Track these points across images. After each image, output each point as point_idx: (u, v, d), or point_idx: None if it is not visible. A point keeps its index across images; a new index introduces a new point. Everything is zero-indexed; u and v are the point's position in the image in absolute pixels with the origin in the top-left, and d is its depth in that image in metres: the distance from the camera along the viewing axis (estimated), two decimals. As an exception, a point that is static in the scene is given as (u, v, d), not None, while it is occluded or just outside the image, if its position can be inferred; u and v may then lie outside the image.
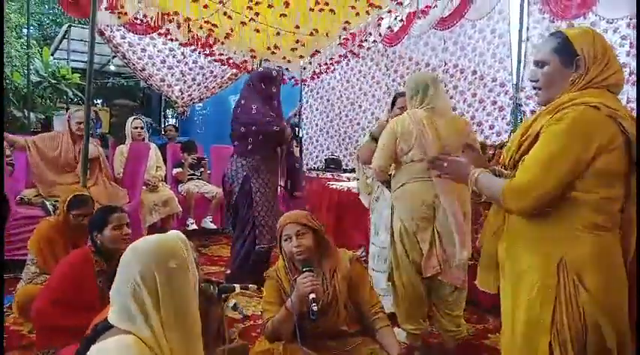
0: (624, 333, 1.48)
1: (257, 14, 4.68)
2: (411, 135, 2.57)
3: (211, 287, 1.81)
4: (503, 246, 1.66)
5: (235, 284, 1.92)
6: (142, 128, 4.90)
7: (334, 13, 4.66)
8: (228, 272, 3.75)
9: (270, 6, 4.51)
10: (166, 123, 9.59)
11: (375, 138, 3.05)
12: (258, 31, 4.95)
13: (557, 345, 1.46)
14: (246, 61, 5.97)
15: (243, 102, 3.63)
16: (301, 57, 5.78)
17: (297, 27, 4.72)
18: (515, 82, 4.62)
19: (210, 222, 5.23)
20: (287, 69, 6.24)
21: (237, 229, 3.68)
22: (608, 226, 1.45)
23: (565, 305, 1.45)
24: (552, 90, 1.54)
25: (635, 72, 3.90)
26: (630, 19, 3.95)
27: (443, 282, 2.61)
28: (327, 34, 4.93)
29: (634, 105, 3.94)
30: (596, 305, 1.43)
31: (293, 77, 6.54)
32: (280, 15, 4.52)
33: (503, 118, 4.83)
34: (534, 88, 1.62)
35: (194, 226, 5.09)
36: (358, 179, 3.67)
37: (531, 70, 1.62)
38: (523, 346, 1.54)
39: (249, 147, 3.56)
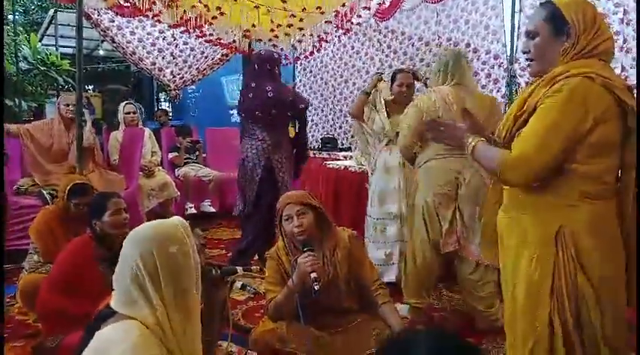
0: (620, 303, 1.50)
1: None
2: (436, 112, 2.58)
3: (214, 270, 1.82)
4: (502, 218, 1.68)
5: (238, 267, 1.94)
6: (134, 113, 4.86)
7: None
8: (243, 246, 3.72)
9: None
10: (159, 107, 9.51)
11: (366, 93, 3.35)
12: (257, 7, 4.85)
13: (557, 315, 1.48)
14: (235, 42, 5.89)
15: (253, 84, 3.65)
16: (287, 35, 5.69)
17: (284, 1, 4.63)
18: (509, 54, 4.60)
19: (209, 205, 5.23)
20: (276, 45, 6.15)
21: (259, 209, 3.66)
22: (605, 195, 1.47)
23: (564, 276, 1.47)
24: (544, 60, 1.53)
25: (629, 39, 3.87)
26: (624, -15, 3.90)
27: (464, 259, 2.63)
28: (320, 10, 4.84)
29: (628, 73, 3.93)
30: (591, 275, 1.45)
31: (285, 56, 6.48)
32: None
33: (498, 91, 4.81)
34: (527, 60, 1.62)
35: (193, 210, 5.09)
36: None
37: (523, 42, 1.62)
38: (524, 317, 1.56)
39: (268, 126, 3.60)
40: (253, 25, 5.22)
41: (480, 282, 2.61)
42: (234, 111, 10.16)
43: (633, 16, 3.88)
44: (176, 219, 1.40)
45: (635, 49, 3.57)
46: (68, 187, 2.78)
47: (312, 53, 6.08)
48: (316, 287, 1.92)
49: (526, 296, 1.54)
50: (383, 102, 3.36)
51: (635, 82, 2.41)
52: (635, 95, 1.44)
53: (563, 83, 1.42)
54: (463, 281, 2.69)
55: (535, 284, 1.51)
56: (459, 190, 2.59)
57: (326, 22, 5.42)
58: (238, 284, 1.89)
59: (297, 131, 4.05)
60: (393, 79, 3.27)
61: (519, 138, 1.50)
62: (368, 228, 3.39)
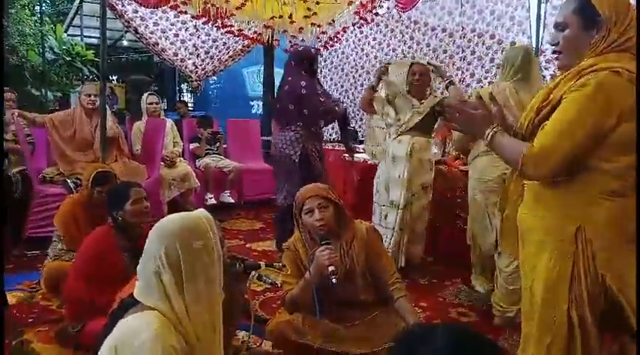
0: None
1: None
2: (489, 106, 2.59)
3: (237, 264, 1.83)
4: (523, 214, 1.65)
5: (261, 261, 1.96)
6: (157, 103, 4.92)
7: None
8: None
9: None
10: (180, 98, 9.59)
11: (372, 87, 3.50)
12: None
13: (575, 312, 1.46)
14: (260, 34, 5.88)
15: (290, 78, 3.71)
16: (313, 25, 5.66)
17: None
18: (534, 46, 4.50)
19: (228, 196, 5.27)
20: (302, 39, 6.15)
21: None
22: (626, 193, 1.43)
23: (583, 272, 1.45)
24: (573, 53, 1.49)
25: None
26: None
27: (503, 252, 2.63)
28: (337, 1, 4.80)
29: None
30: (610, 271, 1.43)
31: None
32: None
33: (522, 83, 4.71)
34: (554, 52, 1.57)
35: (213, 201, 5.13)
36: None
37: (552, 34, 1.57)
38: (542, 313, 1.54)
39: (301, 119, 3.67)
40: (278, 17, 5.23)
41: (512, 275, 2.59)
42: (255, 103, 10.25)
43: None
44: (201, 212, 1.41)
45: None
46: (92, 175, 2.82)
47: (332, 45, 6.04)
48: (333, 280, 1.92)
49: (545, 292, 1.52)
50: (390, 94, 3.45)
51: None
52: (635, 96, 1.39)
53: (590, 77, 1.38)
54: (499, 273, 2.70)
55: (554, 280, 1.49)
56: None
57: (353, 12, 5.39)
58: (255, 274, 1.90)
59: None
60: (408, 72, 3.37)
61: (542, 132, 1.46)
62: (375, 213, 3.54)
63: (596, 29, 1.43)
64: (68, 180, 3.83)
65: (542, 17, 4.41)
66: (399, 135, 3.38)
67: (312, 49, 3.98)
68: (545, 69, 4.45)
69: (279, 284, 2.21)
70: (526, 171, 1.47)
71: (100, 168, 2.97)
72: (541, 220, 1.55)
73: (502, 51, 4.82)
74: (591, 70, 1.39)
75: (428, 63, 3.55)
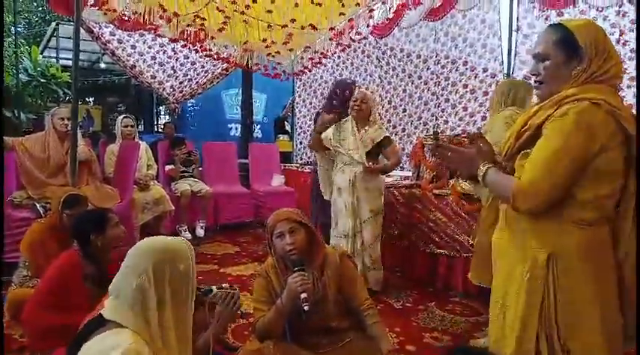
0: (614, 323, 1.49)
1: (247, 7, 4.64)
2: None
3: (199, 293, 1.80)
4: (497, 239, 1.68)
5: (212, 286, 1.93)
6: (132, 126, 4.87)
7: (321, 6, 4.61)
8: None
9: (254, 0, 4.46)
10: (160, 120, 9.54)
11: (318, 133, 3.59)
12: (246, 21, 4.89)
13: (544, 336, 1.48)
14: (235, 57, 5.92)
15: (331, 106, 3.87)
16: (291, 50, 5.73)
17: (293, 20, 4.67)
18: (506, 72, 4.61)
19: (201, 228, 5.22)
20: (279, 63, 6.21)
21: None
22: (598, 221, 1.46)
23: (553, 298, 1.47)
24: (555, 84, 1.51)
25: (625, 60, 3.89)
26: (620, 6, 3.94)
27: None
28: (314, 27, 4.86)
29: (624, 93, 3.94)
30: (580, 298, 1.45)
31: (284, 71, 6.50)
32: (267, 11, 4.47)
33: (495, 109, 4.81)
34: (536, 82, 1.59)
35: (187, 234, 5.03)
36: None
37: (532, 64, 1.59)
38: (511, 336, 1.55)
39: None
40: (258, 41, 5.27)
41: None
42: (234, 125, 10.25)
43: (630, 35, 3.91)
44: (181, 238, 1.47)
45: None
46: (62, 198, 2.77)
47: (310, 68, 6.11)
48: (306, 308, 1.89)
49: (515, 318, 1.54)
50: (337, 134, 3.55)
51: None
52: (636, 96, 1.45)
53: (570, 107, 1.41)
54: None
55: (525, 305, 1.51)
56: None
57: (329, 39, 5.47)
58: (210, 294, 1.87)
59: None
60: (349, 98, 3.52)
61: (528, 164, 1.47)
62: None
63: (577, 60, 1.47)
64: (37, 205, 3.74)
65: (514, 45, 4.54)
66: (342, 165, 3.48)
67: (348, 80, 4.22)
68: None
69: (254, 315, 2.17)
70: (518, 205, 1.48)
71: (70, 191, 2.91)
72: (514, 246, 1.58)
73: (475, 77, 4.94)
74: (572, 99, 1.42)
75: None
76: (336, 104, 3.81)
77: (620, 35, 3.95)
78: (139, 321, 1.25)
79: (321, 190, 3.86)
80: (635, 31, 3.85)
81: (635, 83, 3.58)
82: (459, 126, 5.08)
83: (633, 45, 3.86)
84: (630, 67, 3.90)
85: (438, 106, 5.26)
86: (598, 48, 1.45)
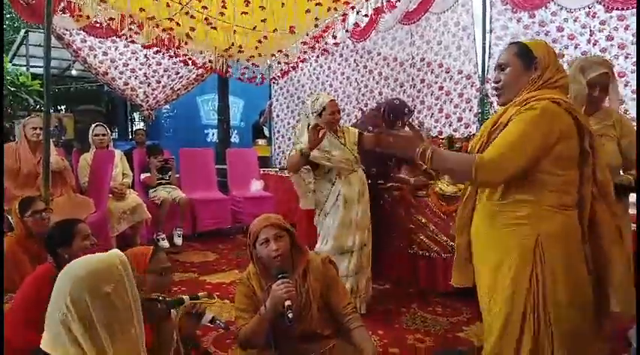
0: (586, 306, 1.65)
1: (222, 14, 4.59)
2: None
3: (158, 304, 1.73)
4: (478, 233, 1.81)
5: (184, 296, 1.87)
6: (104, 135, 4.76)
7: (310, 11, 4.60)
8: None
9: (223, 6, 4.41)
10: (134, 127, 9.39)
11: (305, 155, 3.09)
12: (215, 28, 4.84)
13: (531, 315, 1.62)
14: (210, 62, 5.87)
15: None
16: (263, 56, 5.71)
17: (263, 21, 4.64)
18: (480, 74, 4.67)
19: (179, 236, 5.11)
20: (256, 66, 6.16)
21: None
22: (572, 205, 1.66)
23: (541, 281, 1.61)
24: (513, 89, 1.73)
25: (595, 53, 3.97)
26: (589, 7, 4.03)
27: None
28: (292, 31, 4.85)
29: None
30: (561, 280, 1.60)
31: (262, 74, 6.46)
32: (242, 13, 4.43)
33: (470, 110, 4.88)
34: (496, 90, 1.80)
35: (165, 243, 4.93)
36: None
37: (495, 74, 1.81)
38: (498, 320, 1.68)
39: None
40: (229, 46, 5.23)
41: None
42: (210, 131, 10.16)
43: (600, 35, 4.00)
44: (114, 253, 1.30)
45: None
46: (16, 205, 2.73)
47: (287, 73, 6.10)
48: (290, 315, 1.87)
49: (503, 304, 1.67)
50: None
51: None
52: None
53: (535, 103, 1.62)
54: None
55: (512, 291, 1.64)
56: None
57: (302, 42, 5.46)
58: (207, 318, 1.81)
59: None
60: (323, 109, 3.15)
61: (493, 145, 1.65)
62: None
63: (533, 69, 1.71)
64: (9, 217, 3.63)
65: (488, 47, 4.60)
66: (349, 174, 3.21)
67: (396, 100, 3.77)
68: (492, 96, 4.61)
69: (236, 324, 2.12)
70: (479, 177, 1.61)
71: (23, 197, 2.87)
72: (498, 238, 1.71)
73: (450, 79, 4.99)
74: (535, 99, 1.63)
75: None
76: (386, 123, 3.50)
77: (590, 35, 4.04)
78: (72, 351, 1.16)
79: None
80: (630, 30, 3.94)
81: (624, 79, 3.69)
82: (435, 127, 5.12)
83: (603, 44, 3.95)
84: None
85: (414, 108, 5.30)
86: (550, 60, 1.71)
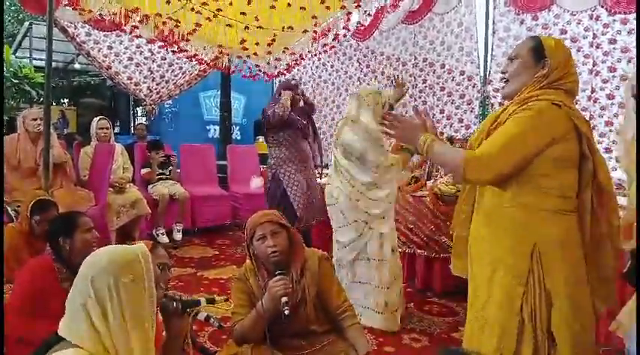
0: (586, 310, 1.62)
1: (219, 10, 4.58)
2: None
3: (174, 303, 1.74)
4: (476, 234, 1.77)
5: (201, 298, 1.87)
6: (107, 129, 4.78)
7: (304, 10, 4.59)
8: None
9: (230, 3, 4.41)
10: (137, 122, 9.40)
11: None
12: (230, 25, 4.84)
13: (529, 320, 1.58)
14: (217, 58, 5.86)
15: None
16: (269, 53, 5.70)
17: (257, 19, 4.64)
18: (482, 75, 4.67)
19: (178, 231, 5.12)
20: (256, 65, 6.16)
21: None
22: (571, 209, 1.63)
23: (538, 285, 1.58)
24: (518, 82, 1.71)
25: (598, 62, 3.97)
26: (592, 10, 4.02)
27: None
28: (291, 28, 4.84)
29: (598, 94, 4.02)
30: (560, 285, 1.58)
31: (265, 73, 6.46)
32: (241, 13, 4.43)
33: (471, 111, 4.88)
34: (502, 80, 1.79)
35: (165, 238, 4.94)
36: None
37: (504, 63, 1.80)
38: (494, 325, 1.64)
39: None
40: (235, 43, 5.23)
41: None
42: (212, 127, 10.16)
43: (603, 38, 3.99)
44: (138, 247, 1.34)
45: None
46: (30, 204, 2.70)
47: (288, 70, 6.10)
48: (286, 312, 1.87)
49: (499, 308, 1.64)
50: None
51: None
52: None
53: (533, 104, 1.59)
54: None
55: (509, 295, 1.61)
56: None
57: (308, 40, 5.45)
58: (202, 315, 1.82)
59: None
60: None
61: (485, 142, 1.64)
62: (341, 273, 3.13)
63: (542, 66, 1.68)
64: (9, 208, 3.64)
65: (490, 48, 4.60)
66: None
67: (293, 80, 4.19)
68: (494, 97, 4.62)
69: (232, 319, 2.12)
70: (468, 175, 1.59)
71: (40, 195, 2.84)
72: (495, 241, 1.67)
73: (452, 79, 4.99)
74: (535, 99, 1.61)
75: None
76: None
77: (593, 38, 4.03)
78: (89, 339, 1.21)
79: (287, 189, 3.70)
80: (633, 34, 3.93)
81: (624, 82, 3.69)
82: (436, 128, 5.12)
83: (606, 47, 3.95)
84: (603, 69, 4.00)
85: (414, 109, 5.30)
86: (561, 61, 1.67)
